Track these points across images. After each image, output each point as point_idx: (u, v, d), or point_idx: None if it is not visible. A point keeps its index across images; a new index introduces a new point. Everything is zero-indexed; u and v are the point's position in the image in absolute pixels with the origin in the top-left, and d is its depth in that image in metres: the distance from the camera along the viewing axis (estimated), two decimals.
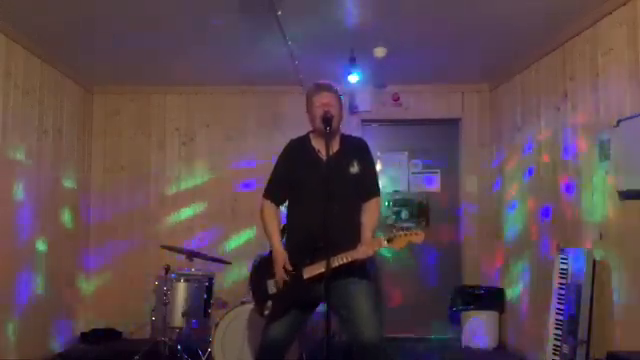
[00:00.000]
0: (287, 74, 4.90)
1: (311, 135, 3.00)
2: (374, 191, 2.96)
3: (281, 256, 2.84)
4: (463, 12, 3.70)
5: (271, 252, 2.92)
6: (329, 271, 2.54)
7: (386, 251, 5.30)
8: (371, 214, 2.90)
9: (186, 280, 4.38)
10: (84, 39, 4.25)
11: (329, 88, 2.92)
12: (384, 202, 5.57)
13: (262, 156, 5.40)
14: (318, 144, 2.92)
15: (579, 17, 3.67)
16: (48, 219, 4.64)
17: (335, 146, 2.90)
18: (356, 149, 2.97)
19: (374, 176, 3.01)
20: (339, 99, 2.93)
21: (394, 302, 5.47)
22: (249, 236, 5.44)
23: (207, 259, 4.48)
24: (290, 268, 2.80)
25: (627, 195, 3.19)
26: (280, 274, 2.83)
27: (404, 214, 5.66)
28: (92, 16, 3.78)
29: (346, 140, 2.99)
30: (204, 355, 4.18)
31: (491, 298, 5.09)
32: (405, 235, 2.71)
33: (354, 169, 2.89)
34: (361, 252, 2.70)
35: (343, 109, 3.00)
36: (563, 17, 3.72)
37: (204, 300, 4.42)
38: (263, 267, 2.99)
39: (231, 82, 5.43)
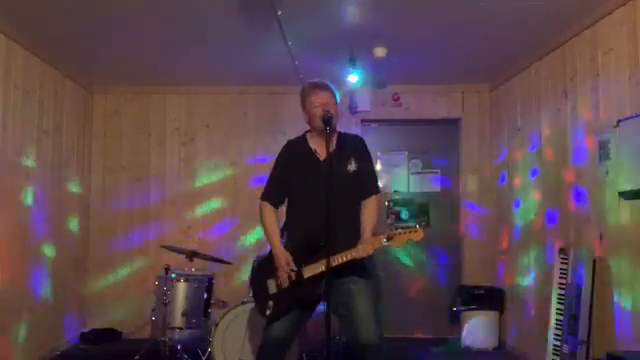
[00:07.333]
0: (287, 74, 4.89)
1: (308, 135, 2.99)
2: (373, 189, 2.94)
3: (284, 257, 2.82)
4: (463, 12, 3.70)
5: (271, 252, 2.92)
6: (329, 270, 2.54)
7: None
8: (370, 212, 2.88)
9: (186, 280, 4.38)
10: (84, 39, 4.25)
11: (326, 87, 2.91)
12: (384, 202, 5.57)
13: (262, 156, 5.41)
14: (315, 144, 2.92)
15: (579, 17, 3.67)
16: (48, 219, 4.64)
17: (332, 145, 2.88)
18: (353, 147, 2.95)
19: (372, 173, 3.00)
20: (336, 97, 2.91)
21: (394, 302, 5.47)
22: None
23: (207, 259, 4.47)
24: (294, 268, 2.80)
25: (627, 195, 3.19)
26: (283, 274, 2.82)
27: (404, 214, 5.66)
28: (92, 16, 3.78)
29: (343, 138, 2.97)
30: (204, 355, 4.18)
31: (491, 298, 5.10)
32: (404, 233, 2.71)
33: (352, 167, 2.87)
34: (361, 251, 2.70)
35: (342, 109, 2.99)
36: (563, 17, 3.72)
37: (204, 300, 4.43)
38: (263, 267, 2.98)
39: (231, 82, 5.43)
